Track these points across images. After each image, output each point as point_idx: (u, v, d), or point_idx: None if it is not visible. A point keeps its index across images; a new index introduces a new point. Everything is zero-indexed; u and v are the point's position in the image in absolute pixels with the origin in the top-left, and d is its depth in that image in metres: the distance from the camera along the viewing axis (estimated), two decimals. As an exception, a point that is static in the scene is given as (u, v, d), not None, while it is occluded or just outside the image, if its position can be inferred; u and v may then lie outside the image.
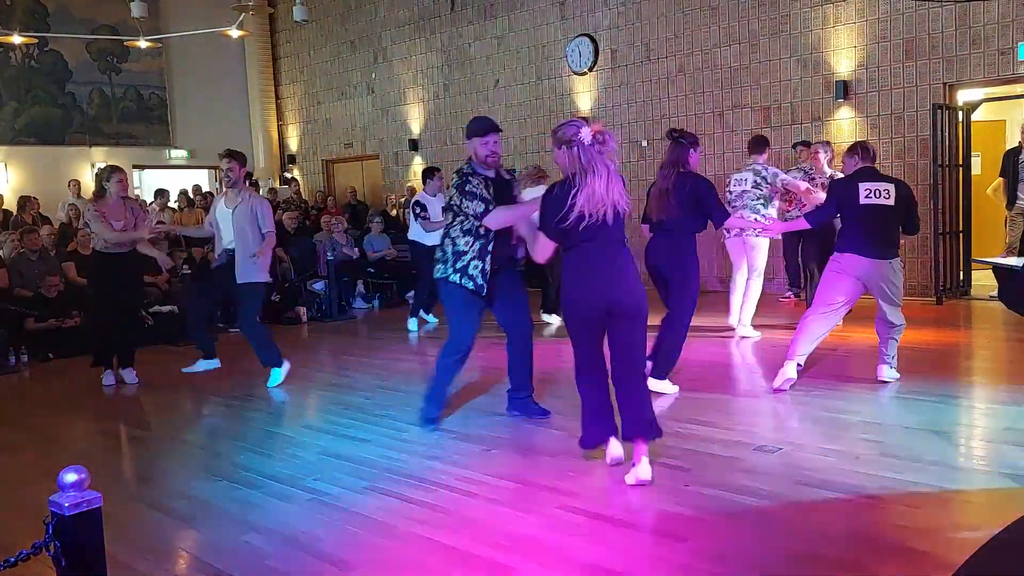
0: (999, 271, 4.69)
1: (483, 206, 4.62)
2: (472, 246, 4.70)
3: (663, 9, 11.27)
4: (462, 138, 14.93)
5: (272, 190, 14.93)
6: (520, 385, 5.10)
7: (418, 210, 8.85)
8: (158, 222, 8.58)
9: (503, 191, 4.76)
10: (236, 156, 6.29)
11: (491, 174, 4.77)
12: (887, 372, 5.54)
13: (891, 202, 5.27)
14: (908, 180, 9.42)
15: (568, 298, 3.88)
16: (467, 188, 4.66)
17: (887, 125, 9.57)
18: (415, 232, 8.97)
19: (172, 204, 13.26)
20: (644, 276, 4.65)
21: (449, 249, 4.76)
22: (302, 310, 10.30)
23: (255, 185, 14.56)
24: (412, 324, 9.07)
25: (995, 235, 10.13)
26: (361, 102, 15.49)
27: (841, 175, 6.55)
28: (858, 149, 5.52)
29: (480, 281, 4.70)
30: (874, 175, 5.39)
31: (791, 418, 4.98)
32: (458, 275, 4.72)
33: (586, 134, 3.75)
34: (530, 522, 3.45)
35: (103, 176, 6.91)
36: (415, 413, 5.12)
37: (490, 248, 4.70)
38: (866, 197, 5.27)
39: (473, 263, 4.69)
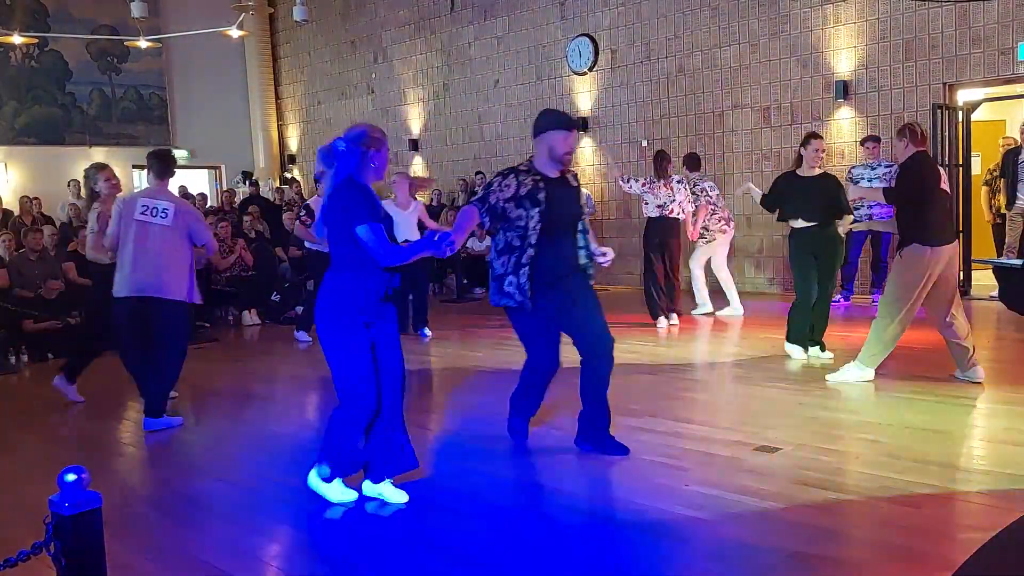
0: (999, 271, 4.70)
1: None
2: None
3: (663, 9, 11.27)
4: (462, 138, 14.99)
5: (278, 190, 14.94)
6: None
7: (303, 214, 8.10)
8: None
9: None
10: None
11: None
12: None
13: None
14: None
15: None
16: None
17: (887, 125, 9.57)
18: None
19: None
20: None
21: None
22: (302, 310, 10.28)
23: (255, 185, 14.58)
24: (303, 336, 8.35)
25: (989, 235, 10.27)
26: (361, 102, 15.49)
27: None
28: (906, 132, 5.53)
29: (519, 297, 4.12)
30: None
31: (791, 418, 4.98)
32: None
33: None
34: (530, 522, 3.45)
35: (89, 176, 6.13)
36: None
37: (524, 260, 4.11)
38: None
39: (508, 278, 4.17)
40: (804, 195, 6.18)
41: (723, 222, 8.79)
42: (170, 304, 5.26)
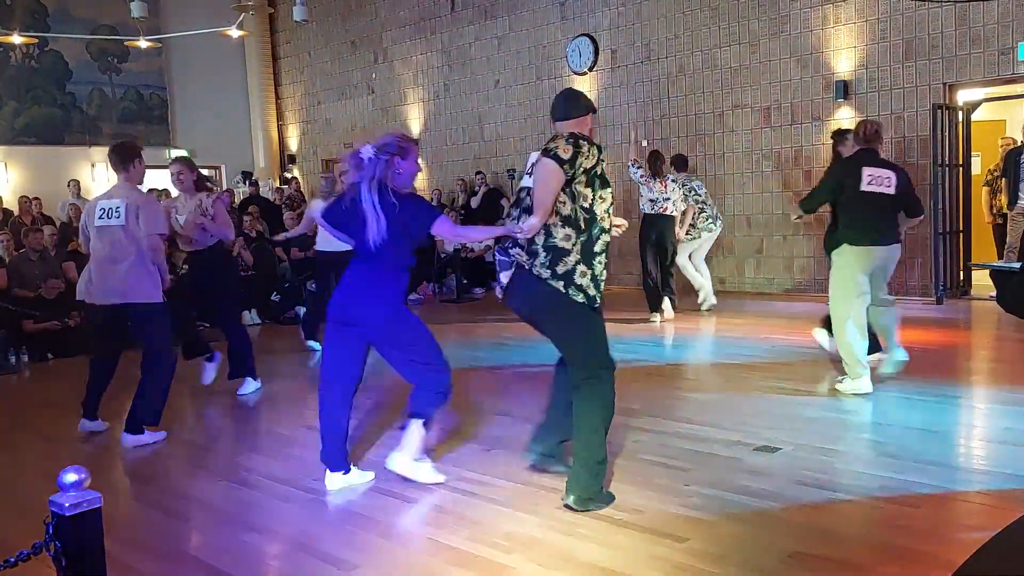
0: (996, 276, 4.68)
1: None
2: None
3: (663, 9, 11.27)
4: (462, 138, 14.99)
5: (278, 189, 14.95)
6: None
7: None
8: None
9: None
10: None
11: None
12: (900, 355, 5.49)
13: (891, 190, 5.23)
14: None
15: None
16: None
17: (887, 125, 9.55)
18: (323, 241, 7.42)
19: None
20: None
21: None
22: (301, 310, 10.29)
23: (255, 185, 14.58)
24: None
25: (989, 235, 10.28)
26: (361, 102, 15.49)
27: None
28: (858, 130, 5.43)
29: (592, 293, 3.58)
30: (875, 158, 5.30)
31: (791, 418, 4.98)
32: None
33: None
34: (530, 522, 3.45)
35: None
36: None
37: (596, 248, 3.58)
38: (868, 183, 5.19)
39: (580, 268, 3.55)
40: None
41: (710, 220, 9.17)
42: (139, 307, 4.99)
